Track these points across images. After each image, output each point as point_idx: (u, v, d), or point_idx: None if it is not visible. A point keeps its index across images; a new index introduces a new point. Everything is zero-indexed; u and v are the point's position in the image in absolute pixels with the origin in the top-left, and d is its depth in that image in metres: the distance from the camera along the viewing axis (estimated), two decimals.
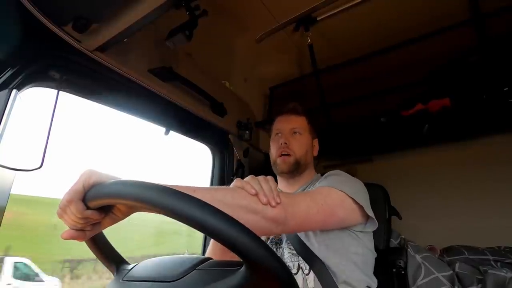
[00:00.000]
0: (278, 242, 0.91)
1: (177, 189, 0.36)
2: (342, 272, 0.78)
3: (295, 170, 1.00)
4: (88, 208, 0.46)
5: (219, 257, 0.78)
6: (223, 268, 0.41)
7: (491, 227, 1.38)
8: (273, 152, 1.06)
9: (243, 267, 0.35)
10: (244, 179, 0.67)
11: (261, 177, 0.67)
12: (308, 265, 0.81)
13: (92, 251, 0.56)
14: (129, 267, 0.54)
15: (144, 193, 0.36)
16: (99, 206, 0.47)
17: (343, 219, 0.77)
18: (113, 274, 0.55)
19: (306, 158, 1.02)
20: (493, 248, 1.14)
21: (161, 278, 0.44)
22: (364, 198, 0.81)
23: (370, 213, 0.80)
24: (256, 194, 0.62)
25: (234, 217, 0.34)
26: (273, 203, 0.62)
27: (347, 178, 0.86)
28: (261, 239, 0.33)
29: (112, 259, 0.56)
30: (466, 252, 1.11)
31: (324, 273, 0.78)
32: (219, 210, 0.34)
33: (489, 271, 0.97)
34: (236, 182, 0.66)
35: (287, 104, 1.14)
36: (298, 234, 0.85)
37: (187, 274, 0.42)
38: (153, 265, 0.50)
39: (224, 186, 0.66)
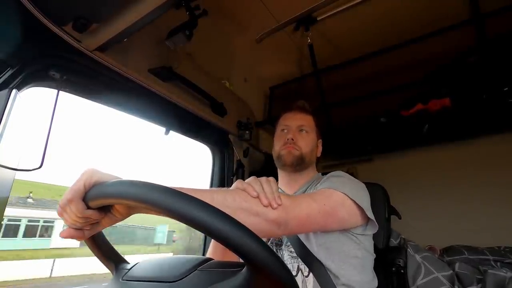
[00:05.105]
0: (279, 244, 0.91)
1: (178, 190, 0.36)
2: (342, 275, 0.78)
3: (298, 165, 0.98)
4: (88, 207, 0.46)
5: (220, 256, 0.78)
6: (224, 269, 0.41)
7: (491, 227, 1.38)
8: (277, 147, 1.03)
9: (244, 269, 0.35)
10: (246, 181, 0.66)
11: (262, 179, 0.67)
12: (308, 267, 0.81)
13: (91, 250, 0.56)
14: (128, 266, 0.53)
15: (146, 194, 0.36)
16: (99, 206, 0.47)
17: (344, 220, 0.77)
18: (112, 273, 0.55)
19: (310, 157, 1.01)
20: (493, 248, 1.14)
21: (162, 278, 0.44)
22: (365, 200, 0.80)
23: (371, 215, 0.79)
24: (258, 196, 0.62)
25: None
26: (274, 205, 0.61)
27: (348, 180, 0.85)
28: (263, 241, 0.33)
29: (110, 258, 0.56)
30: (466, 252, 1.11)
31: (324, 275, 0.78)
32: (222, 211, 0.34)
33: (489, 271, 0.97)
34: (237, 183, 0.66)
35: (295, 101, 1.12)
36: (299, 236, 0.84)
37: (188, 275, 0.42)
38: (153, 264, 0.50)
39: (224, 188, 0.66)
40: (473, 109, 1.34)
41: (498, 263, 1.05)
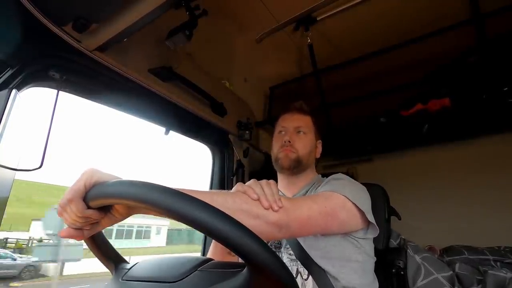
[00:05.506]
0: (278, 246, 0.90)
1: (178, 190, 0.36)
2: (342, 278, 0.78)
3: (295, 168, 0.97)
4: (88, 207, 0.46)
5: (220, 257, 0.78)
6: (224, 269, 0.41)
7: (491, 227, 1.38)
8: (275, 149, 1.02)
9: (245, 269, 0.35)
10: (246, 183, 0.66)
11: (263, 181, 0.67)
12: (307, 270, 0.80)
13: (91, 250, 0.56)
14: (128, 266, 0.53)
15: (146, 194, 0.36)
16: (99, 206, 0.47)
17: (345, 222, 0.76)
18: (112, 273, 0.55)
19: (308, 158, 1.00)
20: (493, 248, 1.14)
21: (162, 279, 0.43)
22: (365, 203, 0.79)
23: (371, 219, 0.78)
24: (258, 199, 0.61)
25: None
26: (275, 207, 0.61)
27: (349, 183, 0.84)
28: (263, 241, 0.33)
29: (110, 258, 0.56)
30: (466, 252, 1.11)
31: (323, 278, 0.77)
32: (222, 212, 0.34)
33: (489, 271, 0.97)
34: (238, 186, 0.66)
35: (293, 102, 1.10)
36: (298, 239, 0.84)
37: (188, 275, 0.42)
38: (153, 265, 0.50)
39: (225, 190, 0.66)
40: (473, 109, 1.34)
41: (498, 263, 1.05)
